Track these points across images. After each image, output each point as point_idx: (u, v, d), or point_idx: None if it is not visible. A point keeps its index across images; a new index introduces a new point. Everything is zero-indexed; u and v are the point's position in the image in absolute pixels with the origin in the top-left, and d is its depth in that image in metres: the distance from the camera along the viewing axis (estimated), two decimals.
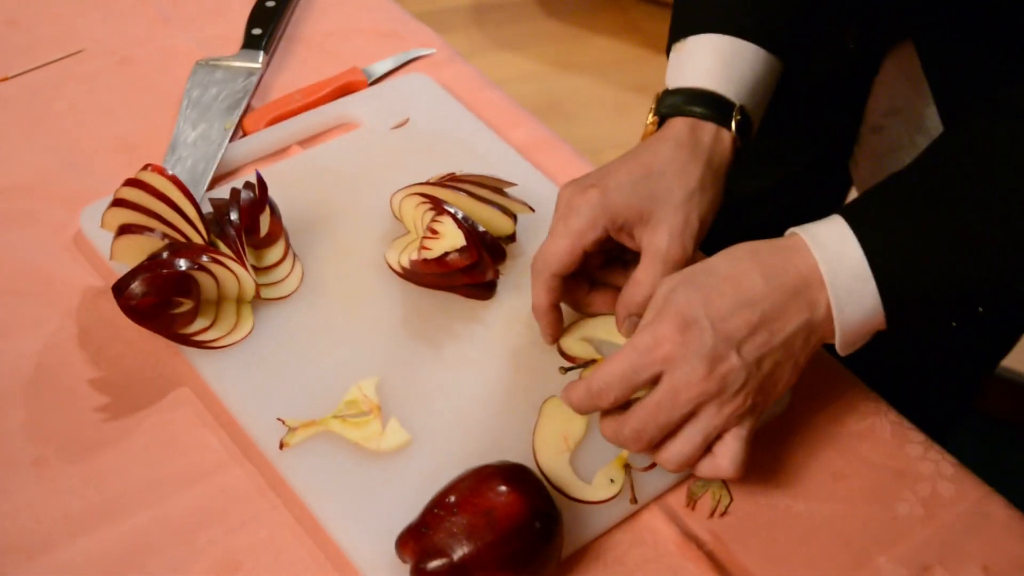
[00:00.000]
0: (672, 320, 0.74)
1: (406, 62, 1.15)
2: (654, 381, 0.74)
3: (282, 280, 0.90)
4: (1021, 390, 1.96)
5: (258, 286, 0.87)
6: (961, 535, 0.80)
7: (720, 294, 0.74)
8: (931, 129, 1.00)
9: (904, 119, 1.05)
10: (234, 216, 0.88)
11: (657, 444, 0.76)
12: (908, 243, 0.75)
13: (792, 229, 0.78)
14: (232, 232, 0.87)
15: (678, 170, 0.83)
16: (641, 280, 0.82)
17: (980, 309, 0.82)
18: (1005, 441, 1.82)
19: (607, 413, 0.77)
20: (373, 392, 0.84)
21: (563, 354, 0.86)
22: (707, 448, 0.76)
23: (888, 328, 0.77)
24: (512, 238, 0.93)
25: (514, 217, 0.91)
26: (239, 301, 0.88)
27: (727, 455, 0.75)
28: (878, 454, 0.84)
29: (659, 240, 0.81)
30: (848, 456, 0.84)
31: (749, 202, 1.16)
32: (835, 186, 1.26)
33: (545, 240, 0.83)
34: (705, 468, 0.77)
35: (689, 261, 0.81)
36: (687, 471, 0.78)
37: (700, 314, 0.74)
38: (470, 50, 1.18)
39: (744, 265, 0.76)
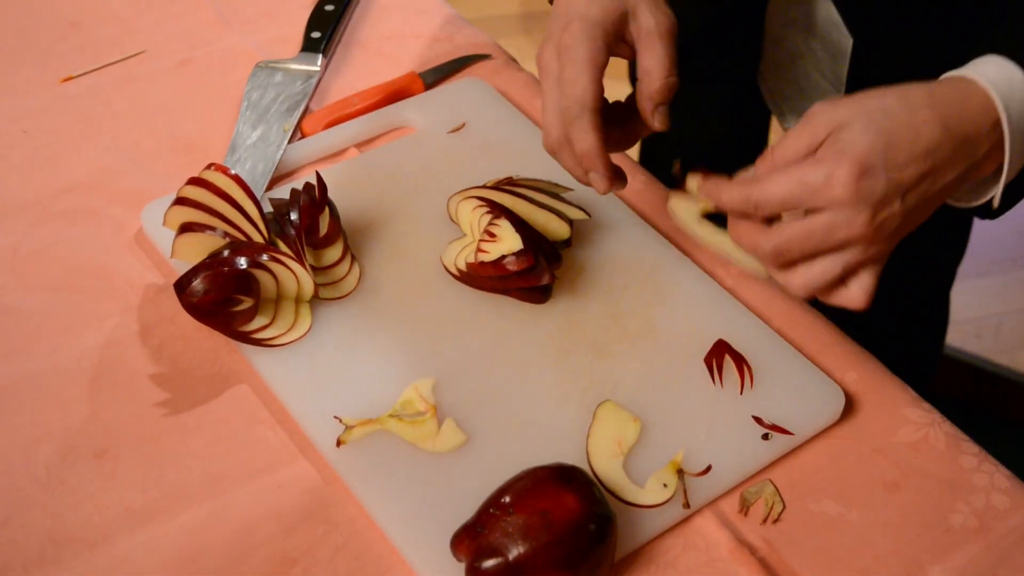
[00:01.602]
0: (850, 165, 0.72)
1: (462, 67, 1.16)
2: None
3: (340, 280, 0.91)
4: None
5: (317, 286, 0.88)
6: (1015, 548, 0.79)
7: (900, 142, 0.73)
8: (824, 35, 1.03)
9: (800, 28, 1.07)
10: (294, 216, 0.89)
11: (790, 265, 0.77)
12: None
13: (957, 74, 0.78)
14: (292, 232, 0.88)
15: None
16: (650, 67, 0.81)
17: None
18: None
19: (745, 220, 0.77)
20: (429, 392, 0.84)
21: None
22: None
23: None
24: (568, 243, 0.93)
25: (570, 222, 0.92)
26: (298, 300, 0.89)
27: (862, 287, 0.77)
28: (932, 465, 0.84)
29: (645, 21, 0.82)
30: (902, 466, 0.84)
31: (686, 141, 1.26)
32: (756, 108, 1.32)
33: (561, 89, 0.81)
34: (839, 298, 0.78)
35: (673, 27, 0.82)
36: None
37: (878, 162, 0.73)
38: (519, 57, 1.19)
39: (923, 114, 0.74)
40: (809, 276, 0.76)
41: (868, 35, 1.01)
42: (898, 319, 1.36)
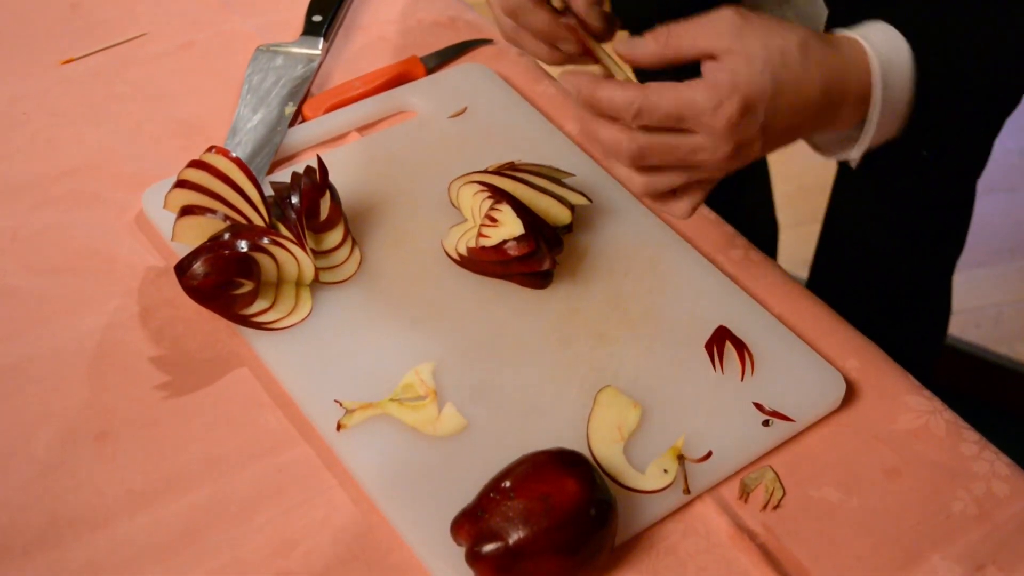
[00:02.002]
0: (740, 102, 0.75)
1: (464, 52, 1.16)
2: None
3: (341, 264, 0.91)
4: None
5: (317, 269, 0.88)
6: (1015, 535, 0.79)
7: (786, 92, 0.77)
8: (800, 5, 1.05)
9: None
10: (295, 199, 0.88)
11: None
12: (945, 43, 0.81)
13: (848, 34, 0.81)
14: (293, 215, 0.88)
15: None
16: None
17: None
18: None
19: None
20: (430, 377, 0.84)
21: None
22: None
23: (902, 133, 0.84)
24: (569, 228, 0.93)
25: (572, 207, 0.92)
26: (298, 284, 0.89)
27: (691, 202, 0.83)
28: (932, 452, 0.84)
29: None
30: (902, 453, 0.84)
31: None
32: None
33: None
34: (668, 207, 0.84)
35: None
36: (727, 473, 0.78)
37: (761, 106, 0.76)
38: None
39: (813, 73, 0.78)
40: (654, 182, 0.81)
41: (843, 6, 1.01)
42: (899, 308, 1.36)
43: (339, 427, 0.81)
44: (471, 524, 0.72)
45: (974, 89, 0.84)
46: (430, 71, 1.13)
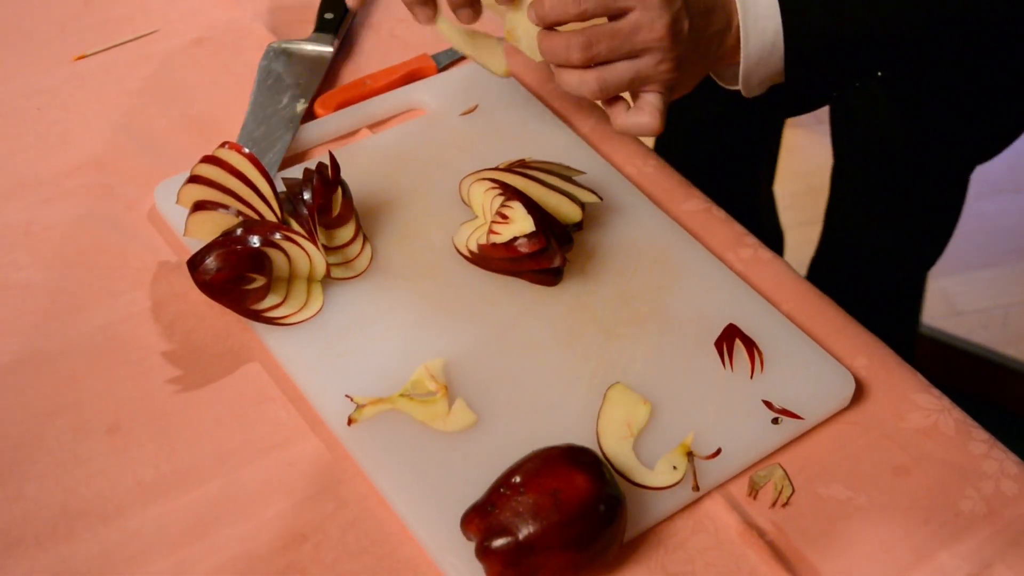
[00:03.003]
0: None
1: None
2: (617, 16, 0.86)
3: (352, 260, 0.92)
4: None
5: (329, 265, 0.88)
6: None
7: None
8: None
9: None
10: (307, 195, 0.89)
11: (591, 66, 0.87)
12: None
13: None
14: (305, 211, 0.89)
15: None
16: None
17: (879, 73, 0.96)
18: None
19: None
20: (440, 372, 0.85)
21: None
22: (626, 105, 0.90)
23: (786, 74, 0.91)
24: (579, 226, 0.93)
25: (582, 205, 0.92)
26: (310, 279, 0.89)
27: (653, 107, 0.89)
28: (941, 451, 0.84)
29: None
30: (911, 452, 0.84)
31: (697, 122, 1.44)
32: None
33: None
34: (632, 123, 0.90)
35: None
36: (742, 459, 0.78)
37: None
38: None
39: None
40: (605, 76, 0.87)
41: None
42: (871, 304, 1.38)
43: (350, 422, 0.81)
44: (481, 519, 0.73)
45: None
46: (441, 69, 1.13)
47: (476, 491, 0.75)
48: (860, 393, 0.87)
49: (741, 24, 0.89)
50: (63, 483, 0.79)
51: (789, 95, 0.95)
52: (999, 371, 2.04)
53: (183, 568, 0.75)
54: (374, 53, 1.16)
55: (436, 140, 1.04)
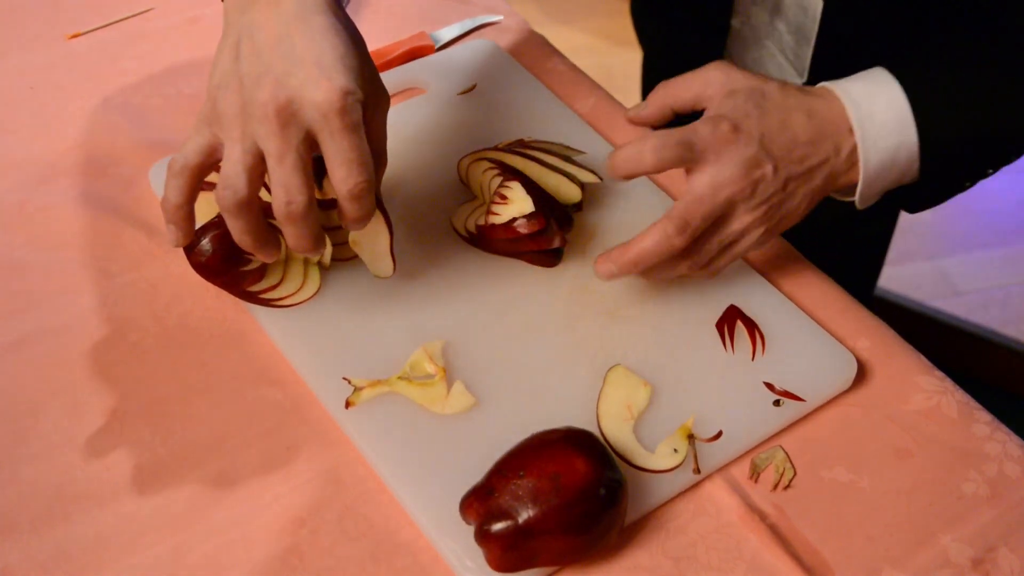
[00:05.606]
0: (727, 122, 0.81)
1: (473, 28, 1.15)
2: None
3: (349, 241, 0.90)
4: None
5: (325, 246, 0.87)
6: None
7: (771, 116, 0.83)
8: (787, 11, 1.06)
9: (767, 6, 1.09)
10: None
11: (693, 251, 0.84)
12: (941, 91, 0.85)
13: (823, 84, 0.87)
14: None
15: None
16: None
17: (990, 170, 0.91)
18: None
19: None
20: (439, 355, 0.84)
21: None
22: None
23: (917, 178, 0.87)
24: (579, 206, 0.92)
25: (582, 185, 0.91)
26: (306, 261, 0.89)
27: (723, 263, 0.86)
28: (944, 433, 0.83)
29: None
30: (913, 434, 0.83)
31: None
32: None
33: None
34: (703, 274, 0.88)
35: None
36: (747, 448, 0.78)
37: (753, 126, 0.82)
38: (530, 19, 1.19)
39: (792, 100, 0.84)
40: (700, 259, 0.85)
41: (834, 17, 1.01)
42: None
43: (347, 405, 0.81)
44: (480, 503, 0.72)
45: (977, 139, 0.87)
46: (439, 48, 1.12)
47: (475, 475, 0.74)
48: (862, 375, 0.86)
49: (860, 146, 0.84)
50: (58, 467, 0.79)
51: (920, 192, 0.92)
52: (999, 351, 2.03)
53: (180, 552, 0.75)
54: (372, 31, 1.14)
55: (434, 120, 1.03)
